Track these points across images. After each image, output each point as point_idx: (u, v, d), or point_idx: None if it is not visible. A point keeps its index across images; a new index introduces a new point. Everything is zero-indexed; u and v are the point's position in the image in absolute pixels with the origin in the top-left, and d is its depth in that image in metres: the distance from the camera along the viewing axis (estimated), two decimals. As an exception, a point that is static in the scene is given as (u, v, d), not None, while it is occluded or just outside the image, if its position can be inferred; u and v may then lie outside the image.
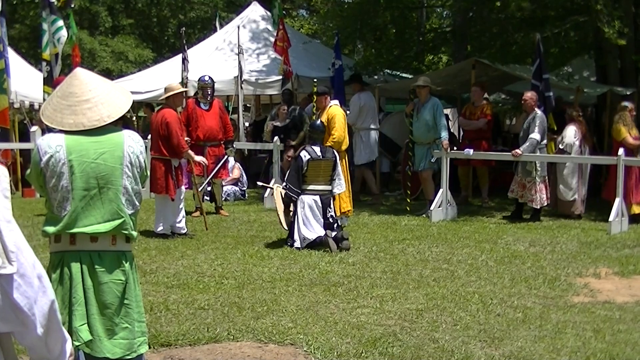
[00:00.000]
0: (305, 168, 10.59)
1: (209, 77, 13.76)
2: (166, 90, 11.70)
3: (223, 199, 15.53)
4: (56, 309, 2.43)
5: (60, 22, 15.00)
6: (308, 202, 10.54)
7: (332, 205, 10.76)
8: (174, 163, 11.40)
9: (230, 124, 13.85)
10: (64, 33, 15.02)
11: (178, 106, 11.72)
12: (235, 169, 16.25)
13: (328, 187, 10.78)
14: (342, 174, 11.05)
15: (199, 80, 13.85)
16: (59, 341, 2.45)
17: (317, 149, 10.76)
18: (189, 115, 13.37)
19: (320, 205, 10.59)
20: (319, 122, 11.26)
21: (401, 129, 17.21)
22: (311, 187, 10.66)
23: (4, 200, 2.17)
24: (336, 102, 12.62)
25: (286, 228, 10.93)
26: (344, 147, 12.12)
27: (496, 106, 24.44)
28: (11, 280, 2.16)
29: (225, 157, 13.58)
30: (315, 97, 12.95)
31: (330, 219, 10.63)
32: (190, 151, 11.60)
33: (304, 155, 10.65)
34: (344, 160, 12.12)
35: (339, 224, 10.89)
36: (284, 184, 10.95)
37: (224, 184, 15.37)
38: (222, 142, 13.54)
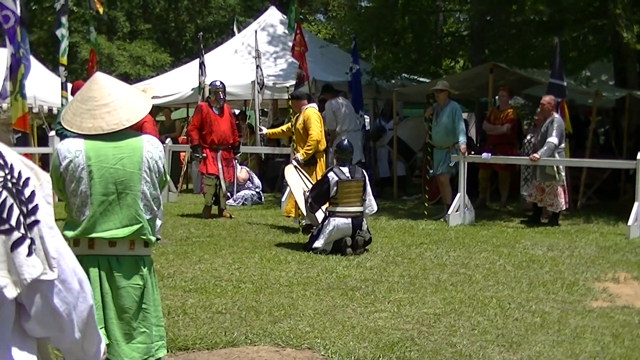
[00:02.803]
0: (335, 189, 10.44)
1: (220, 82, 13.95)
2: None
3: (241, 203, 15.66)
4: (94, 313, 2.46)
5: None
6: (339, 226, 10.36)
7: (363, 227, 10.55)
8: None
9: (235, 128, 14.17)
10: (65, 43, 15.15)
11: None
12: (243, 170, 16.32)
13: (360, 209, 10.59)
14: (371, 193, 10.93)
15: (210, 84, 14.10)
16: (94, 343, 2.48)
17: (345, 170, 10.59)
18: (203, 119, 13.55)
19: (351, 228, 10.39)
20: (346, 142, 11.15)
21: (416, 133, 17.23)
22: (343, 209, 10.48)
23: (46, 206, 2.19)
24: (312, 105, 12.62)
25: (306, 217, 11.07)
26: (321, 147, 12.28)
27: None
28: (52, 286, 2.18)
29: (237, 162, 13.78)
30: (291, 101, 12.95)
31: (357, 236, 10.50)
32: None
33: (331, 177, 10.49)
34: (321, 160, 12.36)
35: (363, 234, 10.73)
36: (306, 192, 10.91)
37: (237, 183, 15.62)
38: (232, 147, 13.83)
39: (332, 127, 15.50)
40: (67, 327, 2.30)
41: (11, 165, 2.07)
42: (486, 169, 15.01)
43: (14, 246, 2.08)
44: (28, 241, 2.11)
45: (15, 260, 2.08)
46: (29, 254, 2.09)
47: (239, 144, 14.10)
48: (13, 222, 2.08)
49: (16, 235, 2.08)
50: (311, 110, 12.27)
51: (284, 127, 13.66)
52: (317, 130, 12.03)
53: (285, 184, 13.33)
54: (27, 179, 2.13)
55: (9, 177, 2.08)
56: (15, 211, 2.09)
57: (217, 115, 13.50)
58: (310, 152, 11.97)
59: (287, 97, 18.58)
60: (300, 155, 11.90)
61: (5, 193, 2.06)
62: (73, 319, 2.31)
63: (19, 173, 2.11)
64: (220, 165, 13.47)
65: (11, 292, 2.09)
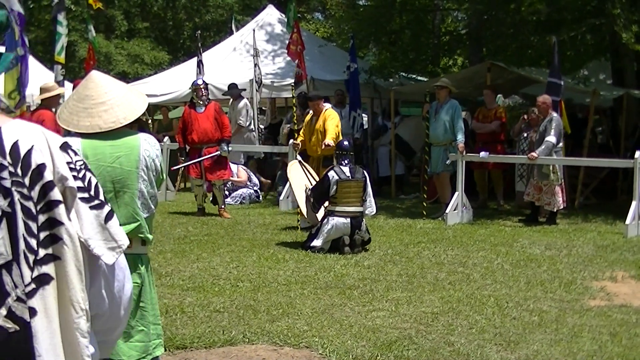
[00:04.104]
0: (335, 188, 10.45)
1: (202, 80, 14.26)
2: (42, 90, 11.82)
3: (239, 202, 15.68)
4: (132, 295, 2.63)
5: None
6: (338, 225, 10.37)
7: (362, 227, 10.55)
8: None
9: (227, 124, 14.14)
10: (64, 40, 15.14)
11: (54, 107, 11.77)
12: (241, 171, 16.32)
13: (359, 209, 10.60)
14: (372, 194, 10.93)
15: (192, 84, 14.26)
16: (124, 324, 2.58)
17: (345, 169, 10.59)
18: (184, 121, 13.85)
19: (350, 227, 10.40)
20: (345, 142, 11.18)
21: (417, 132, 17.24)
22: (342, 208, 10.47)
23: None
24: (328, 104, 12.93)
25: (306, 216, 11.03)
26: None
27: (512, 109, 24.38)
28: (112, 265, 2.35)
29: (218, 152, 13.70)
30: (308, 102, 13.04)
31: (356, 235, 10.52)
32: None
33: (332, 176, 10.48)
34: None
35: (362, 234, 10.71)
36: (307, 190, 10.91)
37: (231, 187, 15.61)
38: (218, 143, 13.78)
39: (243, 124, 16.90)
40: (115, 304, 2.43)
41: (78, 150, 2.28)
42: (479, 169, 14.97)
43: (107, 218, 2.28)
44: (115, 214, 2.33)
45: (110, 231, 2.29)
46: (120, 225, 2.34)
47: (225, 139, 13.85)
48: (102, 197, 2.29)
49: (107, 208, 2.29)
50: (332, 111, 12.64)
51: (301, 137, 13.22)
52: (338, 129, 12.30)
53: (285, 179, 13.36)
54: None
55: (83, 161, 2.28)
56: (100, 188, 2.30)
57: (200, 113, 13.63)
58: (335, 138, 11.90)
59: (285, 96, 18.73)
60: (331, 141, 11.78)
61: (89, 174, 2.26)
62: (122, 296, 2.45)
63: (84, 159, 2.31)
64: (202, 165, 13.55)
65: (110, 259, 2.30)
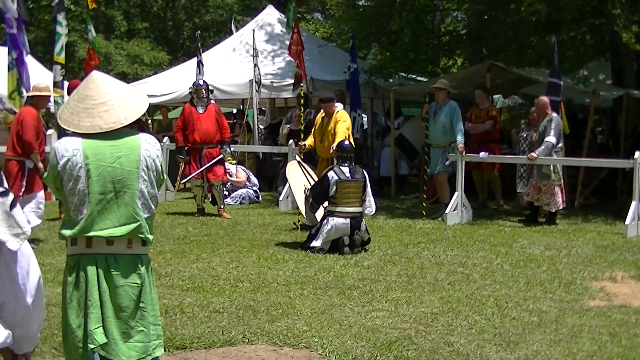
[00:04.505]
0: (335, 188, 10.44)
1: (203, 81, 14.23)
2: (33, 89, 11.84)
3: (238, 202, 15.68)
4: (42, 285, 2.68)
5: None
6: (337, 226, 10.36)
7: (361, 227, 10.53)
8: (28, 164, 11.22)
9: (227, 126, 14.21)
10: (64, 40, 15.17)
11: (42, 108, 11.68)
12: (240, 172, 16.32)
13: (359, 209, 10.60)
14: (371, 194, 10.91)
15: (193, 84, 14.27)
16: (40, 317, 2.62)
17: (345, 170, 10.57)
18: (185, 119, 13.81)
19: (349, 228, 10.39)
20: (346, 142, 11.16)
21: (421, 133, 17.28)
22: (342, 209, 10.46)
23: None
24: (341, 106, 12.93)
25: (305, 217, 11.06)
26: None
27: (512, 109, 24.43)
28: (14, 251, 2.44)
29: (221, 156, 13.78)
30: (321, 103, 13.05)
31: (356, 235, 10.52)
32: (38, 155, 11.11)
33: (331, 176, 10.46)
34: None
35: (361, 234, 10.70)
36: (306, 190, 10.91)
37: (230, 187, 15.61)
38: (218, 144, 13.79)
39: None
40: (20, 292, 2.51)
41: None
42: (476, 169, 14.95)
43: (12, 205, 2.39)
44: (18, 203, 2.41)
45: (16, 217, 2.39)
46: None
47: (226, 141, 13.96)
48: (5, 185, 2.40)
49: (11, 196, 2.40)
50: (344, 113, 12.68)
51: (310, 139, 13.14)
52: (347, 132, 12.28)
53: (285, 179, 13.36)
54: None
55: None
56: (3, 177, 2.42)
57: (201, 114, 13.64)
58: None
59: (285, 96, 18.73)
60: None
61: None
62: (26, 283, 2.53)
63: None
64: (201, 166, 13.55)
65: (14, 245, 2.39)
